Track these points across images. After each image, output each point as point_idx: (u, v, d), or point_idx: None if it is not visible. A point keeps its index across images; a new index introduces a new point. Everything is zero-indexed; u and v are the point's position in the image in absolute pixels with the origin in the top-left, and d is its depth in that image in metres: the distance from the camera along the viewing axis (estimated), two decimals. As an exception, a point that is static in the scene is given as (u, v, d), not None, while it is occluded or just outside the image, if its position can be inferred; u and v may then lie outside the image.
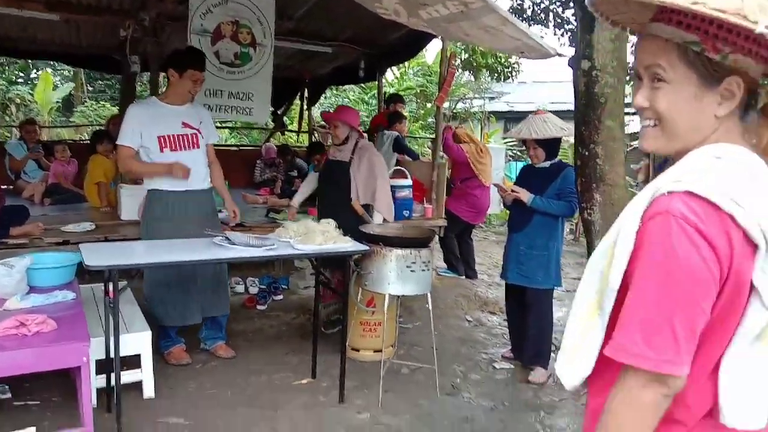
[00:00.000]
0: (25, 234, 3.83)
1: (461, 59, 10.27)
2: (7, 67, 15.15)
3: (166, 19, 5.02)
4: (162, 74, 4.56)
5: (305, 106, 8.99)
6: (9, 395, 3.01)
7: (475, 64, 10.49)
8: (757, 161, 0.94)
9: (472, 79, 13.97)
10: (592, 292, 1.00)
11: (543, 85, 18.22)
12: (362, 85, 13.97)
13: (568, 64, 3.78)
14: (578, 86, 3.65)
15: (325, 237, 3.07)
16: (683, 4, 0.84)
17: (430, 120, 13.58)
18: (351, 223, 3.60)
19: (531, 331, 3.65)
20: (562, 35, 7.58)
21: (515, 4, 8.02)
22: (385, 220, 3.97)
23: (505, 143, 11.78)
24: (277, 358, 3.76)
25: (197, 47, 4.57)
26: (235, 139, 14.14)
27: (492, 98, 16.41)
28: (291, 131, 11.22)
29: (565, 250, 4.55)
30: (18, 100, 14.18)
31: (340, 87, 14.11)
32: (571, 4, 7.14)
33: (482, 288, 5.77)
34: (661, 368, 0.87)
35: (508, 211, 4.04)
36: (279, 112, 8.98)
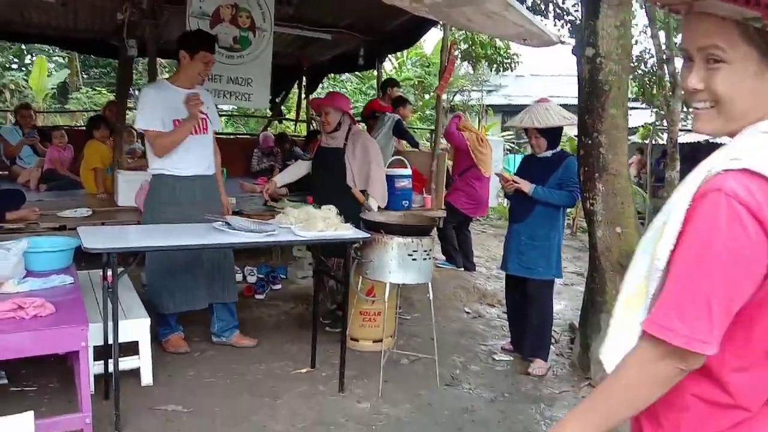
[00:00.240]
0: (20, 218, 3.77)
1: (461, 49, 10.21)
2: (1, 53, 14.97)
3: (164, 1, 4.95)
4: (159, 59, 4.49)
5: (303, 95, 8.92)
6: (6, 381, 2.98)
7: (474, 54, 10.41)
8: None
9: (471, 71, 13.91)
10: (641, 274, 0.98)
11: (540, 79, 18.20)
12: (360, 75, 13.92)
13: (572, 52, 3.74)
14: (582, 74, 3.61)
15: (326, 223, 3.04)
16: None
17: (428, 112, 13.53)
18: (347, 210, 3.56)
19: (531, 323, 3.62)
20: (562, 26, 7.51)
21: (516, -6, 7.93)
22: (379, 207, 3.92)
23: (503, 136, 11.76)
24: (276, 347, 3.73)
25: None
26: (232, 127, 14.06)
27: (490, 91, 16.39)
28: (289, 120, 11.15)
29: (563, 244, 4.53)
30: (12, 86, 14.05)
31: (338, 77, 14.05)
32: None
33: (481, 280, 5.75)
34: (692, 346, 0.86)
35: (506, 205, 4.01)
36: (277, 101, 8.91)
